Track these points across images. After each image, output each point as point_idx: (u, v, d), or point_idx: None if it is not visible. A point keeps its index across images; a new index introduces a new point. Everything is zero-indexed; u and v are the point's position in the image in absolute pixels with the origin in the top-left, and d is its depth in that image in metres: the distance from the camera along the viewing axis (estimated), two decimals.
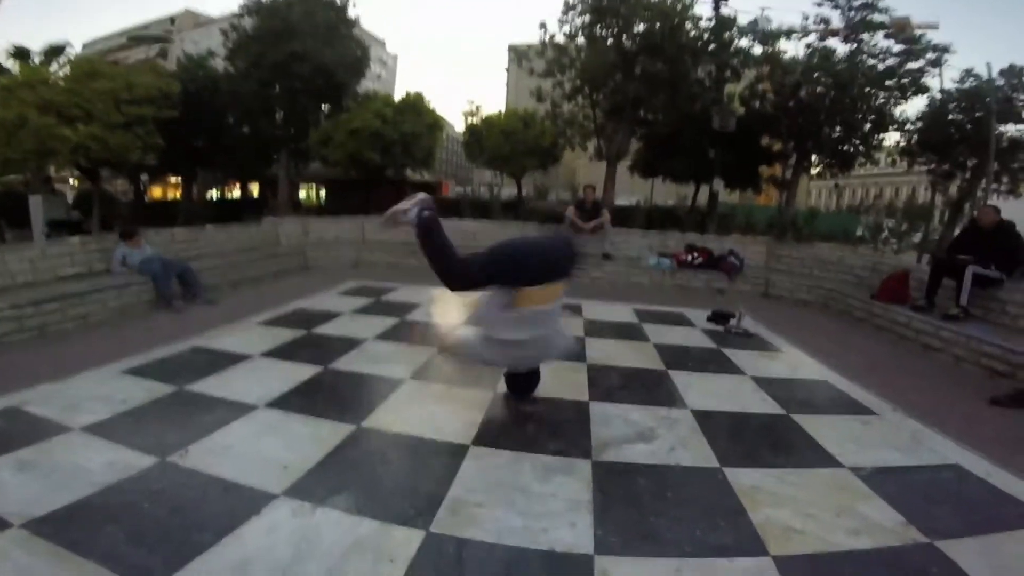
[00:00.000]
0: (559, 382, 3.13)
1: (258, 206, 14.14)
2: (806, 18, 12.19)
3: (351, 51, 15.65)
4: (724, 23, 11.83)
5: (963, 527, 1.83)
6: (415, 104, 15.26)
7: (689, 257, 7.31)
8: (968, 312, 4.71)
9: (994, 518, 1.90)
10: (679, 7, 11.57)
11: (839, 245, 9.91)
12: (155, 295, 4.97)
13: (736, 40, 12.16)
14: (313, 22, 14.40)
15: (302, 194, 21.27)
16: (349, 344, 3.80)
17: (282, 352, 3.61)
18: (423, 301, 5.54)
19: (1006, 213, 5.07)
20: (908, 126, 12.41)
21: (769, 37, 12.17)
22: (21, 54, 13.11)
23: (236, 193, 24.00)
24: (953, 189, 13.38)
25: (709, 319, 5.04)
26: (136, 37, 30.71)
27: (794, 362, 4.01)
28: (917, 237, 13.37)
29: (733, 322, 4.83)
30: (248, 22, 15.19)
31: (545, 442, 2.36)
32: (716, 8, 11.90)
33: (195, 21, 44.33)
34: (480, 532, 1.72)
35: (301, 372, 3.18)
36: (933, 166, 13.16)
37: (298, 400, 2.78)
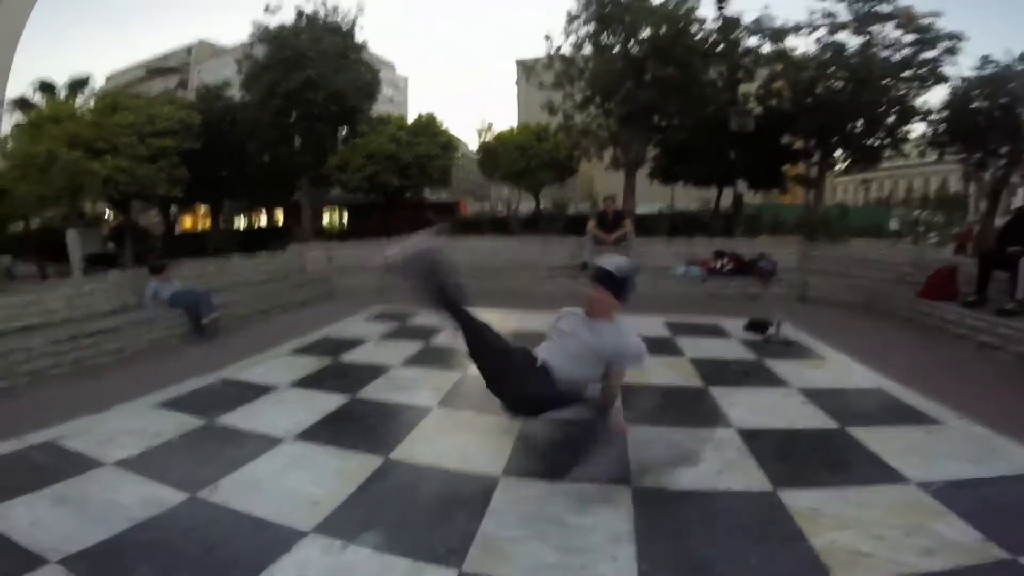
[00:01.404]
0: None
1: (283, 233, 14.49)
2: (812, 13, 11.97)
3: (362, 75, 15.87)
4: (730, 23, 11.68)
5: None
6: (428, 125, 15.47)
7: (719, 264, 7.09)
8: None
9: None
10: (683, 10, 11.48)
11: (873, 241, 9.51)
12: (189, 327, 5.05)
13: (745, 39, 11.99)
14: (321, 48, 14.63)
15: (325, 219, 21.69)
16: (375, 371, 3.75)
17: (309, 381, 3.60)
18: (446, 325, 5.50)
19: None
20: (932, 116, 11.98)
21: (777, 34, 11.97)
22: (47, 87, 13.58)
23: (262, 221, 24.67)
24: (987, 177, 12.79)
25: (746, 328, 4.83)
26: (154, 69, 31.64)
27: (842, 370, 3.78)
28: (956, 229, 12.80)
29: (772, 330, 4.61)
30: (260, 51, 15.50)
31: (579, 468, 2.22)
32: (720, 8, 11.78)
33: (211, 51, 44.31)
34: (514, 570, 1.62)
35: (328, 402, 3.15)
36: (964, 156, 12.66)
37: (326, 432, 2.74)
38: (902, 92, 11.30)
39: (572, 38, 12.86)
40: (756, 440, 2.55)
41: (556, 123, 14.24)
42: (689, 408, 3.01)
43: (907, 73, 11.08)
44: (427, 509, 1.98)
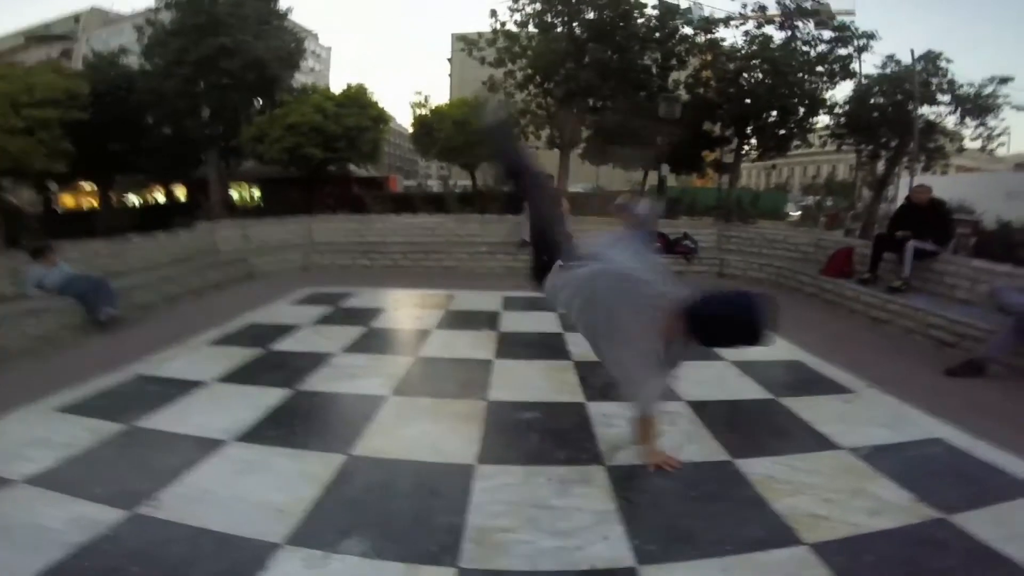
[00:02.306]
0: (550, 384, 3.04)
1: (188, 211, 13.19)
2: (744, 5, 12.70)
3: (285, 43, 14.90)
4: (670, 11, 12.10)
5: (967, 500, 1.90)
6: (358, 97, 14.61)
7: None
8: (910, 284, 5.03)
9: (990, 490, 1.99)
10: None
11: (778, 223, 10.47)
12: (84, 318, 4.43)
13: (680, 28, 12.49)
14: (241, 14, 13.57)
15: (234, 195, 19.89)
16: (316, 360, 3.51)
17: (241, 375, 3.29)
18: (388, 305, 5.29)
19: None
20: (836, 109, 13.24)
21: (710, 24, 12.58)
22: None
23: (160, 198, 22.18)
24: (879, 168, 14.46)
25: None
26: (35, 37, 27.53)
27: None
28: (827, 211, 14.39)
29: None
30: (167, 16, 14.16)
31: (553, 452, 2.26)
32: None
33: (104, 19, 40.42)
34: (514, 560, 1.60)
35: (268, 397, 2.89)
36: (859, 147, 14.15)
37: (272, 430, 2.52)
38: (814, 86, 12.36)
39: (517, 15, 12.70)
40: (705, 411, 2.72)
41: (496, 100, 14.07)
42: None
43: (821, 68, 12.11)
44: (406, 506, 1.89)
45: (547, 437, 2.41)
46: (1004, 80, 12.11)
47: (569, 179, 13.39)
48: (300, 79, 17.44)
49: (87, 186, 21.44)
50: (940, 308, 4.40)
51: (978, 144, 13.29)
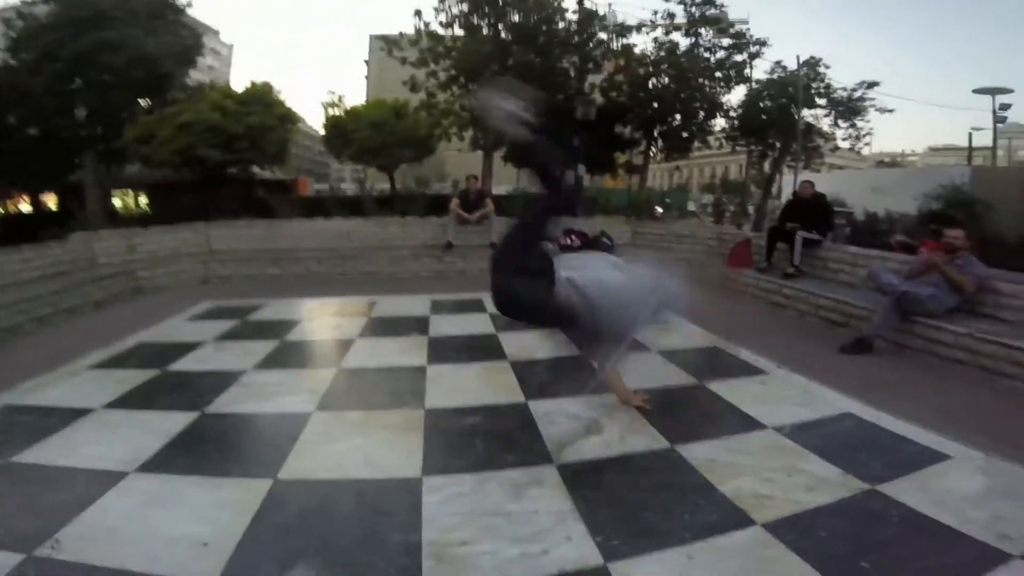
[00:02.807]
0: (489, 386, 2.97)
1: (59, 220, 11.57)
2: (655, 13, 13.50)
3: (180, 39, 13.82)
4: (589, 16, 12.54)
5: (887, 470, 2.07)
6: (263, 95, 13.61)
7: (568, 240, 7.60)
8: (800, 270, 5.58)
9: (904, 459, 2.19)
10: (553, 1, 11.99)
11: (684, 220, 11.23)
12: None
13: (597, 33, 12.98)
14: (130, 8, 12.53)
15: (117, 202, 17.71)
16: (223, 379, 3.15)
17: (134, 399, 2.90)
18: (303, 316, 4.93)
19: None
20: (731, 113, 14.46)
21: (624, 30, 13.21)
22: None
23: (25, 207, 19.17)
24: (766, 167, 16.01)
25: None
26: None
27: (684, 331, 4.33)
28: (750, 209, 15.80)
29: None
30: (42, 10, 12.86)
31: (501, 455, 2.19)
32: (580, 2, 12.58)
33: None
34: (481, 574, 1.51)
35: (170, 422, 2.55)
36: (750, 148, 15.59)
37: (180, 458, 2.23)
38: (713, 90, 13.40)
39: (442, 16, 12.51)
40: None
41: (418, 101, 13.77)
42: (575, 377, 3.12)
43: (719, 73, 13.14)
44: (353, 528, 1.73)
45: (492, 441, 2.33)
46: (871, 84, 13.89)
47: (493, 181, 13.43)
48: (197, 77, 16.22)
49: None
50: (827, 291, 4.90)
51: (847, 144, 15.14)
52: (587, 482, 2.00)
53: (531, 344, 3.74)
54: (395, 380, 3.16)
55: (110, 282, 5.80)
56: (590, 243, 7.59)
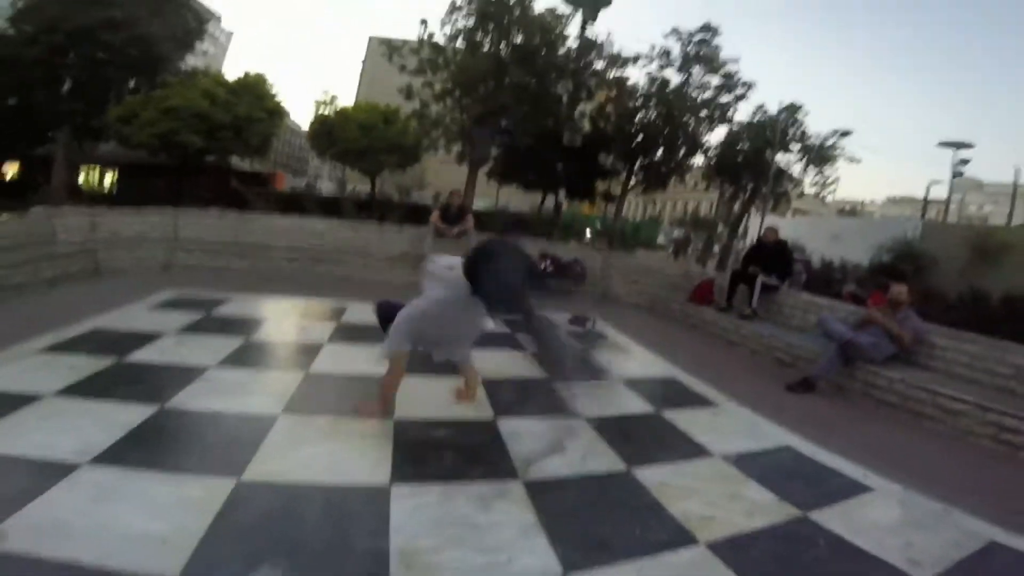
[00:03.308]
0: (459, 400, 3.04)
1: (20, 191, 10.98)
2: (652, 47, 13.96)
3: (185, 22, 13.68)
4: (588, 46, 12.91)
5: (817, 499, 2.28)
6: (255, 86, 13.44)
7: (543, 265, 7.75)
8: (757, 313, 5.89)
9: (832, 489, 2.42)
10: (558, 25, 12.28)
11: (652, 253, 11.63)
12: None
13: (593, 63, 13.36)
14: None
15: (81, 178, 16.95)
16: (186, 374, 3.08)
17: (89, 388, 2.80)
18: (270, 315, 4.87)
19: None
20: (710, 152, 15.03)
21: (620, 62, 13.63)
22: None
23: None
24: (736, 207, 16.69)
25: (570, 322, 5.41)
26: None
27: (644, 360, 4.55)
28: (715, 249, 16.43)
29: (589, 324, 5.28)
30: None
31: (468, 468, 2.26)
32: (583, 29, 12.94)
33: None
34: None
35: (126, 414, 2.49)
36: (723, 187, 16.20)
37: (137, 453, 2.17)
38: (696, 129, 13.91)
39: (448, 28, 12.64)
40: (602, 425, 2.90)
41: (410, 108, 13.80)
42: (542, 399, 3.25)
43: (704, 112, 13.68)
44: (320, 534, 1.75)
45: (460, 454, 2.40)
46: (845, 133, 14.63)
47: (475, 195, 13.57)
48: (191, 61, 15.95)
49: None
50: (780, 334, 5.22)
51: (814, 190, 15.89)
52: (550, 498, 2.09)
53: (502, 363, 3.84)
54: (364, 388, 3.16)
55: (66, 260, 5.56)
56: (562, 269, 7.79)
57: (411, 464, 2.27)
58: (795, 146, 14.91)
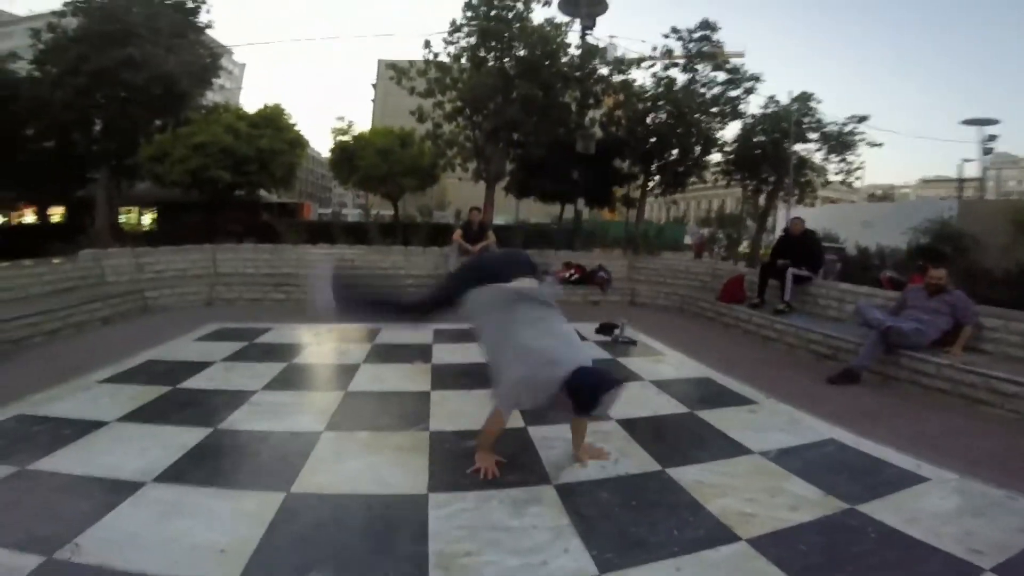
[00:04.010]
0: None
1: (66, 234, 11.75)
2: (654, 48, 13.98)
3: (199, 58, 14.10)
4: (590, 52, 12.98)
5: (866, 491, 2.22)
6: (274, 118, 13.95)
7: (567, 274, 7.80)
8: (791, 306, 5.76)
9: (883, 480, 2.34)
10: (558, 35, 12.41)
11: (679, 254, 11.49)
12: None
13: (598, 69, 13.43)
14: (155, 26, 12.76)
15: (122, 218, 17.92)
16: (234, 398, 3.27)
17: (148, 414, 3.00)
18: (309, 341, 5.05)
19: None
20: (726, 148, 14.79)
21: (623, 65, 13.66)
22: None
23: (29, 219, 19.35)
24: (761, 201, 16.34)
25: (597, 331, 5.40)
26: None
27: (677, 363, 4.49)
28: (743, 245, 16.09)
29: (617, 331, 5.26)
30: (71, 23, 13.01)
31: (502, 476, 2.30)
32: (583, 37, 13.06)
33: None
34: None
35: (184, 437, 2.66)
36: (745, 182, 15.88)
37: (196, 471, 2.33)
38: (709, 126, 13.75)
39: (451, 48, 12.93)
40: (634, 428, 2.91)
41: (423, 130, 14.11)
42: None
43: (715, 109, 13.53)
44: (363, 540, 1.84)
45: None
46: (862, 119, 14.19)
47: (494, 211, 13.71)
48: (210, 97, 16.61)
49: None
50: (816, 326, 5.08)
51: (839, 178, 15.42)
52: (583, 501, 2.12)
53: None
54: (401, 404, 3.28)
55: (118, 300, 5.93)
56: (587, 277, 7.80)
57: (447, 473, 2.34)
58: (813, 135, 14.53)
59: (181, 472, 2.30)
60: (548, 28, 12.56)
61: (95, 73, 12.42)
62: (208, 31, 15.25)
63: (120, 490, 2.10)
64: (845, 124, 14.24)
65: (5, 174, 13.87)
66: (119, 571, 1.62)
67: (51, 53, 13.29)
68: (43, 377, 3.56)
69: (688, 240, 19.16)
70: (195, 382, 3.64)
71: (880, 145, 14.49)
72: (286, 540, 1.82)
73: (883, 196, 43.49)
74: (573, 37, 13.82)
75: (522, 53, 12.45)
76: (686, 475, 2.35)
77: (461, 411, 3.13)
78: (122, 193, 15.98)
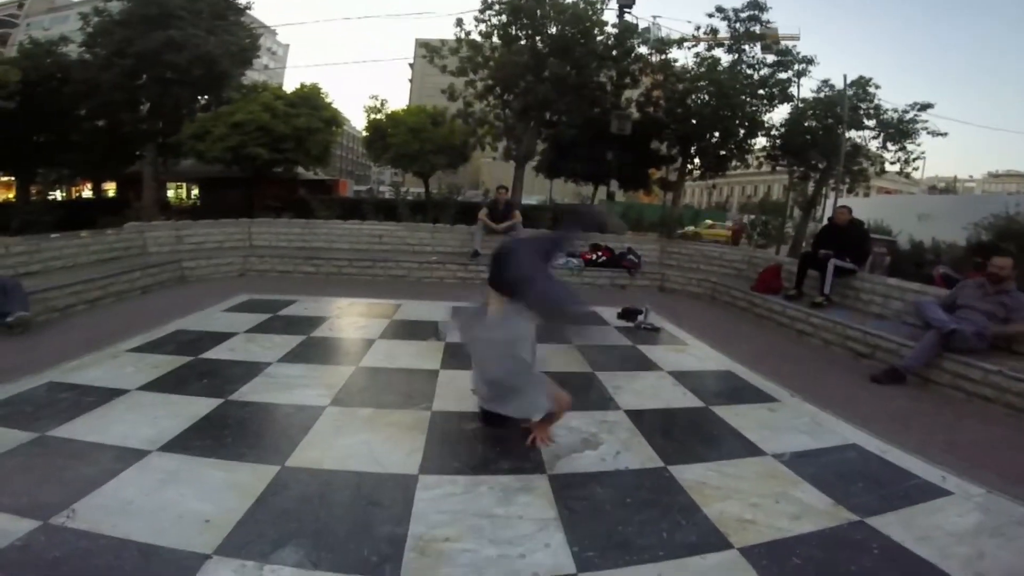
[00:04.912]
0: None
1: (116, 208, 12.42)
2: (697, 28, 13.34)
3: (238, 39, 14.49)
4: (628, 30, 12.52)
5: (880, 503, 2.06)
6: (311, 97, 14.19)
7: (594, 256, 7.63)
8: (831, 300, 5.44)
9: (901, 492, 2.17)
10: (591, 12, 12.05)
11: (716, 241, 11.05)
12: None
13: (636, 48, 12.95)
14: (195, 8, 13.21)
15: (170, 193, 18.84)
16: (249, 370, 3.35)
17: (167, 384, 3.10)
18: (330, 314, 5.14)
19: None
20: (773, 132, 14.01)
21: (664, 45, 13.11)
22: None
23: (86, 193, 20.74)
24: (809, 188, 15.47)
25: (619, 316, 5.26)
26: None
27: (700, 354, 4.32)
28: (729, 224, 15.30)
29: (641, 317, 5.10)
30: (115, 6, 13.70)
31: (496, 462, 2.26)
32: (620, 15, 12.59)
33: (49, 5, 38.72)
34: (456, 570, 1.59)
35: (196, 407, 2.74)
36: (792, 168, 15.05)
37: (200, 441, 2.39)
38: (754, 108, 13.05)
39: (483, 26, 12.77)
40: (642, 420, 2.81)
41: (455, 109, 14.07)
42: (582, 393, 3.18)
43: (762, 91, 12.81)
44: (345, 517, 1.84)
45: (491, 447, 2.41)
46: (924, 107, 13.12)
47: (524, 191, 13.57)
48: (253, 76, 17.12)
49: (4, 178, 19.92)
50: (856, 322, 4.77)
51: (896, 167, 14.39)
52: (575, 494, 2.05)
53: (542, 357, 3.79)
54: (408, 382, 3.28)
55: (157, 271, 6.19)
56: (615, 259, 7.61)
57: (441, 455, 2.31)
58: (870, 122, 13.52)
59: (186, 442, 2.37)
60: (583, 6, 12.13)
61: (140, 55, 12.93)
62: (248, 12, 15.62)
63: (125, 458, 2.17)
64: (906, 111, 13.21)
65: (61, 152, 14.79)
66: (106, 537, 1.67)
67: (99, 36, 13.90)
68: (80, 345, 3.74)
69: (729, 225, 18.42)
70: (216, 352, 3.75)
71: (944, 135, 13.34)
72: (270, 514, 1.84)
73: (945, 188, 40.62)
74: (610, 16, 13.37)
75: (553, 31, 12.11)
76: (689, 474, 2.24)
77: (467, 392, 3.09)
78: (168, 169, 16.74)
